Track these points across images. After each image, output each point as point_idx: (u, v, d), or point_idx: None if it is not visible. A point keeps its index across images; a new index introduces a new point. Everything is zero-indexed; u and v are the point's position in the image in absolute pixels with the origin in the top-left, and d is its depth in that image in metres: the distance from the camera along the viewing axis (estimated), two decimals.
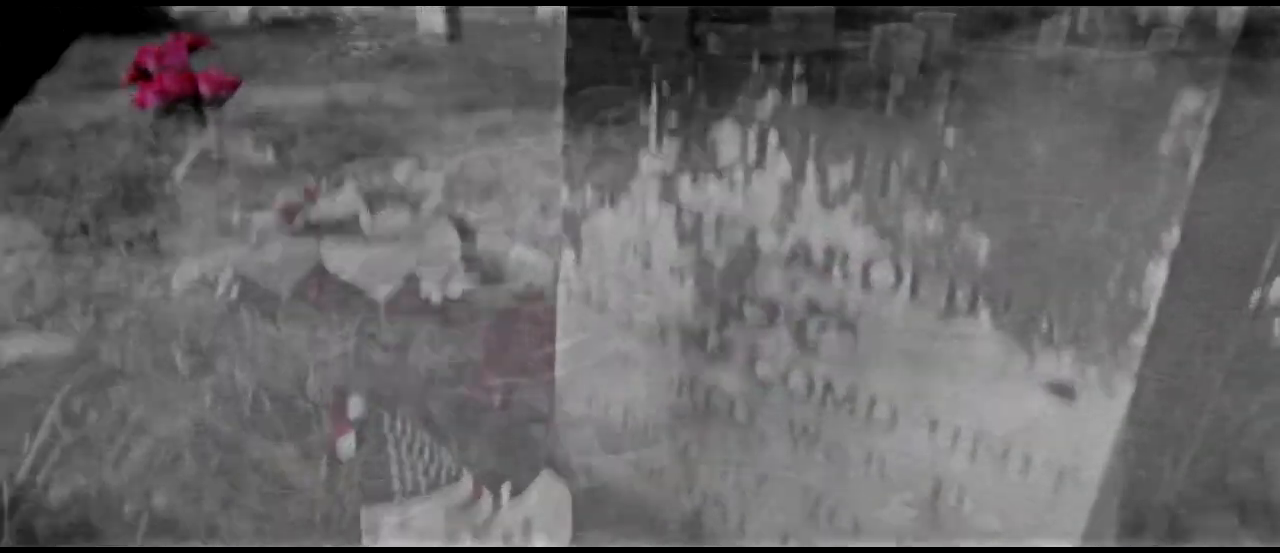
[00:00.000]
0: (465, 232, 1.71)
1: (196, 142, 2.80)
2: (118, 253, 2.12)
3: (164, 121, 3.04)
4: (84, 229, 2.40)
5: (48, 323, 1.68)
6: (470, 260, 1.62)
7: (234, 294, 1.57)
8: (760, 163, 0.84)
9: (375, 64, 6.70)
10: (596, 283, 1.00)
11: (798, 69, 0.80)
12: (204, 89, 2.71)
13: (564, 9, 0.98)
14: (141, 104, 2.85)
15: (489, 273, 1.63)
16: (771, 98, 0.82)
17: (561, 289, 1.04)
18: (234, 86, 2.76)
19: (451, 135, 3.49)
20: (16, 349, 1.60)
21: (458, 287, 1.55)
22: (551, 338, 1.12)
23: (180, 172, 2.57)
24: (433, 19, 9.43)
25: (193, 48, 2.96)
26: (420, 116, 4.07)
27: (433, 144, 3.36)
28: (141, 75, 2.86)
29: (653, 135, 0.90)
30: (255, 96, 4.53)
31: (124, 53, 3.56)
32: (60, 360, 1.58)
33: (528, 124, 3.67)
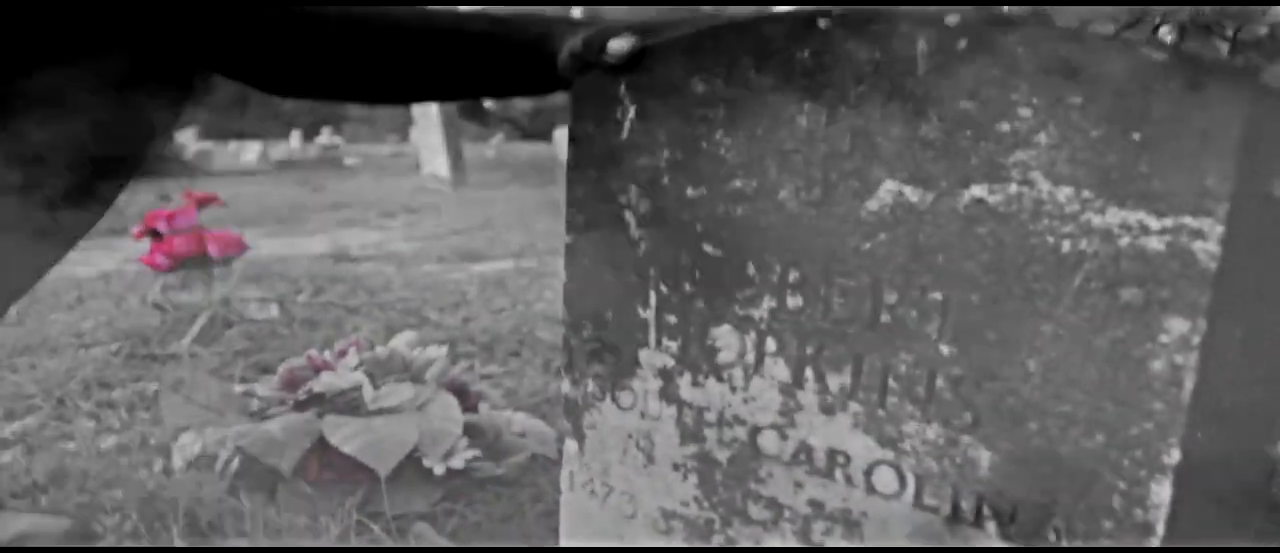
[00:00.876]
0: (467, 399, 1.72)
1: (204, 302, 2.83)
2: (119, 418, 2.12)
3: (172, 278, 3.07)
4: (86, 391, 2.40)
5: (45, 499, 1.66)
6: (473, 431, 1.62)
7: (234, 469, 1.56)
8: (759, 366, 0.85)
9: (379, 210, 6.81)
10: (599, 473, 1.00)
11: (793, 275, 0.81)
12: (213, 250, 2.75)
13: (563, 151, 1.00)
14: (151, 264, 2.88)
15: (492, 446, 1.62)
16: (768, 301, 0.83)
17: (564, 478, 1.04)
18: (242, 247, 2.81)
19: (454, 287, 3.53)
20: (13, 526, 1.59)
21: (460, 459, 1.54)
22: (554, 524, 1.11)
23: (188, 337, 2.59)
24: (436, 162, 9.59)
25: (202, 205, 3.02)
26: (424, 265, 4.11)
27: (435, 296, 3.39)
28: (152, 235, 2.91)
29: (652, 332, 0.92)
30: (263, 245, 4.59)
31: (137, 195, 3.62)
32: (57, 537, 1.56)
33: (528, 275, 3.71)
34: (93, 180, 0.98)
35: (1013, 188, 0.67)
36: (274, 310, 2.93)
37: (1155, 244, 0.63)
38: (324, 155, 13.28)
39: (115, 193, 0.98)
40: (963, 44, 0.69)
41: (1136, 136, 0.63)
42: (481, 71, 1.05)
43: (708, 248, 0.86)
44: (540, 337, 2.68)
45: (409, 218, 6.07)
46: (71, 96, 0.99)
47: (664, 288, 0.90)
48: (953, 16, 0.70)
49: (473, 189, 8.73)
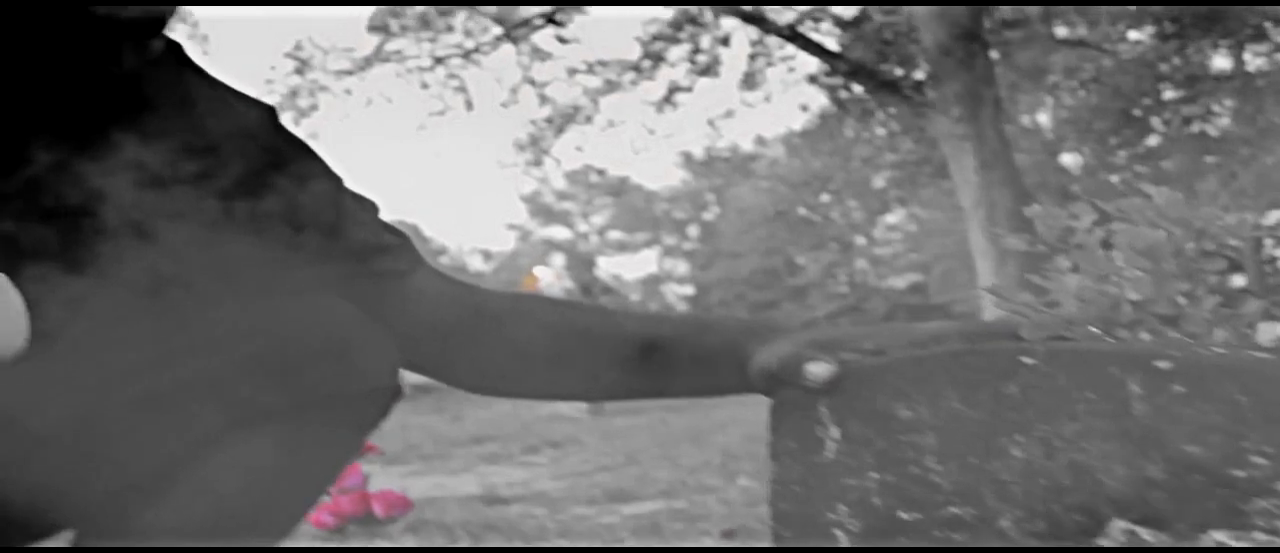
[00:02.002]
0: None
1: None
2: None
3: (337, 535, 3.18)
4: None
5: None
6: None
7: None
8: None
9: (521, 444, 6.93)
10: None
11: None
12: (379, 510, 2.86)
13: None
14: (318, 524, 3.00)
15: None
16: None
17: None
18: (407, 506, 2.90)
19: (608, 532, 3.53)
20: None
21: None
22: None
23: None
24: None
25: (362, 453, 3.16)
26: (574, 508, 4.14)
27: (588, 538, 3.41)
28: None
29: None
30: (412, 486, 4.71)
31: None
32: None
33: (683, 518, 3.70)
34: (267, 171, 1.00)
35: (1259, 536, 0.67)
36: None
37: None
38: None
39: (294, 187, 1.01)
40: (1178, 388, 0.71)
41: None
42: (670, 375, 1.10)
43: None
44: None
45: (553, 453, 6.16)
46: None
47: None
48: (1164, 361, 0.72)
49: (609, 417, 8.81)
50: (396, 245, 1.09)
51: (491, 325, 1.09)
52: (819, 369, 0.92)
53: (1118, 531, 0.74)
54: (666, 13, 9.22)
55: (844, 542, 0.95)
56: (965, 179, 8.04)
